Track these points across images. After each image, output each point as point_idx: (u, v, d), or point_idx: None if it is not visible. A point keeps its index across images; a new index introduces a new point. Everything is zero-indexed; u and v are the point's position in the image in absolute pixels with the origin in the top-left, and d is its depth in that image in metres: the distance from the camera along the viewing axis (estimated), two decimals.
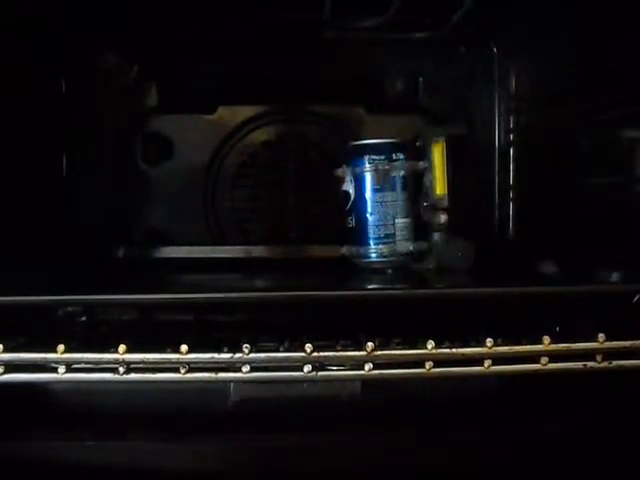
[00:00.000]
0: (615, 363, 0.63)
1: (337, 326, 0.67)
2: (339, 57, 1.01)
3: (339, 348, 0.63)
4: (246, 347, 0.61)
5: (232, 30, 0.95)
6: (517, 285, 0.68)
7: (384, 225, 0.85)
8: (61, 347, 0.60)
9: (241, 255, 0.98)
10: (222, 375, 0.61)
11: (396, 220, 0.85)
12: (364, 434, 0.65)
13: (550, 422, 0.65)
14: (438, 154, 0.87)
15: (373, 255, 0.85)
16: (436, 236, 0.87)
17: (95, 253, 0.93)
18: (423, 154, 0.87)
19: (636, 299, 0.66)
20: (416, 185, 0.87)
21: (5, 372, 0.60)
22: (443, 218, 0.87)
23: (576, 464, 0.64)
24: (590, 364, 0.62)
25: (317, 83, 1.01)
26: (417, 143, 0.88)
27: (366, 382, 0.64)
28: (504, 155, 1.04)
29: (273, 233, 1.02)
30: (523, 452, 0.65)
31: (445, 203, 0.87)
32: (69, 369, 0.60)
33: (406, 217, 0.86)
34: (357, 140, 0.87)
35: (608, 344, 0.62)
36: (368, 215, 0.85)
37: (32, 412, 0.64)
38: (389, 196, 0.85)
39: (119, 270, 0.93)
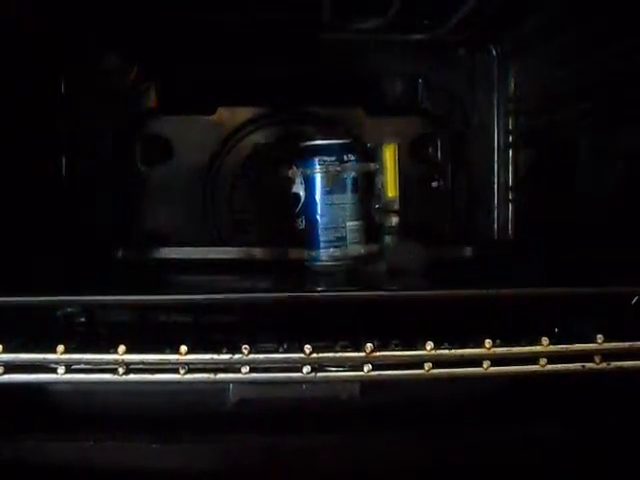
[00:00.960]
0: (614, 364, 0.63)
1: (336, 327, 0.67)
2: (338, 59, 1.01)
3: (338, 349, 0.63)
4: (245, 348, 0.61)
5: (231, 31, 0.95)
6: (516, 286, 0.68)
7: (335, 228, 0.84)
8: (60, 347, 0.60)
9: (240, 256, 0.98)
10: (221, 376, 0.61)
11: (347, 223, 0.84)
12: (363, 435, 0.65)
13: (549, 422, 0.66)
14: (389, 156, 0.86)
15: (324, 258, 0.84)
16: (387, 239, 0.86)
17: (94, 254, 0.93)
18: (375, 156, 0.86)
19: (635, 301, 0.66)
20: (368, 187, 0.86)
21: (5, 372, 0.60)
22: (394, 220, 0.86)
23: (575, 465, 0.65)
24: (589, 365, 0.62)
25: (316, 85, 1.01)
26: (368, 145, 0.87)
27: (365, 383, 0.64)
28: (503, 157, 1.04)
29: (272, 234, 1.02)
30: (522, 452, 0.65)
31: (396, 205, 0.86)
32: (69, 370, 0.60)
33: (357, 220, 0.85)
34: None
35: (607, 345, 0.62)
36: (318, 217, 0.84)
37: (31, 412, 0.64)
38: (340, 198, 0.84)
39: (118, 271, 0.93)
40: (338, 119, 1.02)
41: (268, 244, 0.98)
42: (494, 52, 1.03)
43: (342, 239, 0.84)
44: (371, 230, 0.87)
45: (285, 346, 0.63)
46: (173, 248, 0.97)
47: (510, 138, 1.03)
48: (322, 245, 0.84)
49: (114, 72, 0.98)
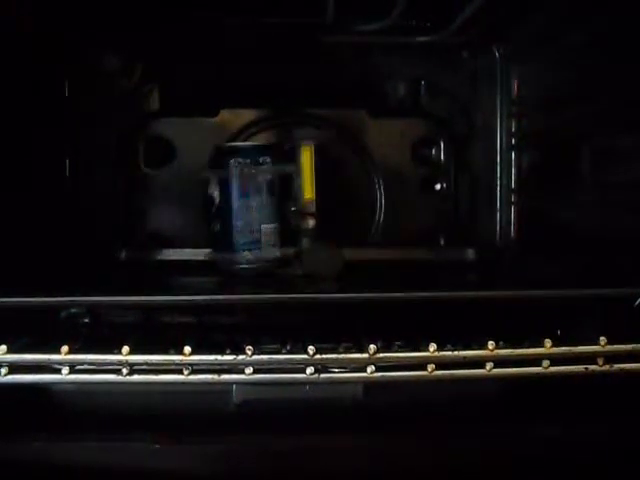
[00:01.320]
0: (617, 366, 0.63)
1: (339, 328, 0.67)
2: (341, 61, 1.01)
3: (341, 350, 0.63)
4: (249, 349, 0.61)
5: (234, 34, 0.95)
6: (520, 288, 0.69)
7: (250, 231, 0.83)
8: (65, 348, 0.60)
9: None
10: (225, 377, 0.62)
11: (262, 226, 0.83)
12: (366, 436, 0.65)
13: (552, 424, 0.66)
14: (306, 158, 0.86)
15: (239, 261, 0.83)
16: (304, 242, 0.86)
17: (98, 255, 0.94)
18: (292, 157, 0.86)
19: (637, 303, 0.66)
20: (285, 189, 0.86)
21: (9, 373, 0.60)
22: (311, 223, 0.86)
23: (579, 467, 0.65)
24: (592, 367, 0.62)
25: (319, 87, 1.01)
26: (284, 146, 0.87)
27: (368, 384, 0.64)
28: (506, 159, 1.04)
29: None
30: (525, 455, 0.65)
31: (313, 207, 0.86)
32: (73, 370, 0.61)
33: (273, 222, 0.84)
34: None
35: (610, 347, 0.62)
36: (233, 220, 0.83)
37: (35, 413, 0.64)
38: (255, 201, 0.83)
39: (122, 272, 0.93)
40: (341, 121, 1.02)
41: None
42: (497, 54, 1.03)
43: (257, 242, 0.83)
44: (288, 233, 0.86)
45: (288, 347, 0.63)
46: (176, 249, 0.97)
47: (513, 140, 1.03)
48: (237, 248, 0.83)
49: (117, 73, 0.99)
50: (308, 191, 0.86)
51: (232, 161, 0.83)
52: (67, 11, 0.85)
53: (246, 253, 0.83)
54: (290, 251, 0.85)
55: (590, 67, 0.82)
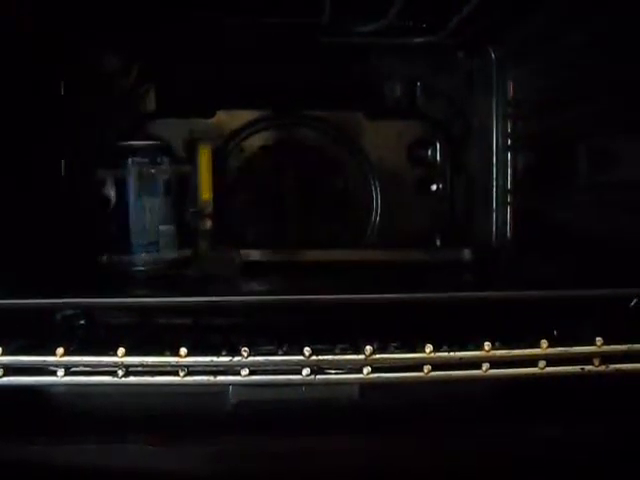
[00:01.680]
0: (613, 367, 0.63)
1: (336, 329, 0.67)
2: (338, 62, 1.01)
3: (337, 352, 0.63)
4: (245, 350, 0.61)
5: (231, 34, 0.95)
6: (516, 289, 0.69)
7: (146, 232, 0.82)
8: (60, 350, 0.60)
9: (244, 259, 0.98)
10: (221, 378, 0.61)
11: (159, 227, 0.82)
12: (362, 437, 0.65)
13: (549, 425, 0.66)
14: (204, 158, 0.85)
15: (136, 263, 0.82)
16: (202, 243, 0.85)
17: (94, 256, 0.93)
18: (190, 157, 0.86)
19: (633, 303, 0.66)
20: (182, 189, 0.85)
21: (4, 375, 0.60)
22: (209, 224, 0.85)
23: (576, 468, 0.65)
24: (588, 368, 0.62)
25: (316, 88, 1.01)
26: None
27: (364, 385, 0.64)
28: (502, 160, 1.04)
29: (272, 237, 1.02)
30: (522, 456, 0.65)
31: (210, 208, 0.85)
32: (68, 372, 0.60)
33: (170, 224, 0.83)
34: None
35: (606, 348, 0.62)
36: (130, 221, 0.82)
37: (31, 415, 0.64)
38: (152, 201, 0.82)
39: (119, 274, 0.93)
40: (338, 122, 1.02)
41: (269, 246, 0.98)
42: (492, 55, 1.03)
43: (154, 244, 0.82)
44: (186, 234, 0.85)
45: (284, 348, 0.63)
46: None
47: (509, 141, 1.03)
48: (134, 250, 0.82)
49: (114, 74, 0.99)
50: (205, 191, 0.85)
51: (130, 160, 0.82)
52: (67, 11, 0.85)
53: (144, 255, 0.82)
54: (187, 253, 0.85)
55: (590, 67, 0.82)
